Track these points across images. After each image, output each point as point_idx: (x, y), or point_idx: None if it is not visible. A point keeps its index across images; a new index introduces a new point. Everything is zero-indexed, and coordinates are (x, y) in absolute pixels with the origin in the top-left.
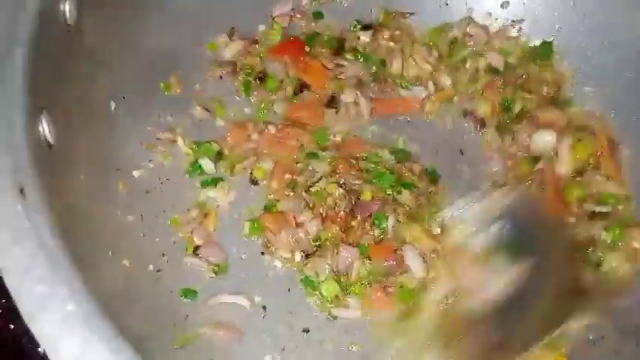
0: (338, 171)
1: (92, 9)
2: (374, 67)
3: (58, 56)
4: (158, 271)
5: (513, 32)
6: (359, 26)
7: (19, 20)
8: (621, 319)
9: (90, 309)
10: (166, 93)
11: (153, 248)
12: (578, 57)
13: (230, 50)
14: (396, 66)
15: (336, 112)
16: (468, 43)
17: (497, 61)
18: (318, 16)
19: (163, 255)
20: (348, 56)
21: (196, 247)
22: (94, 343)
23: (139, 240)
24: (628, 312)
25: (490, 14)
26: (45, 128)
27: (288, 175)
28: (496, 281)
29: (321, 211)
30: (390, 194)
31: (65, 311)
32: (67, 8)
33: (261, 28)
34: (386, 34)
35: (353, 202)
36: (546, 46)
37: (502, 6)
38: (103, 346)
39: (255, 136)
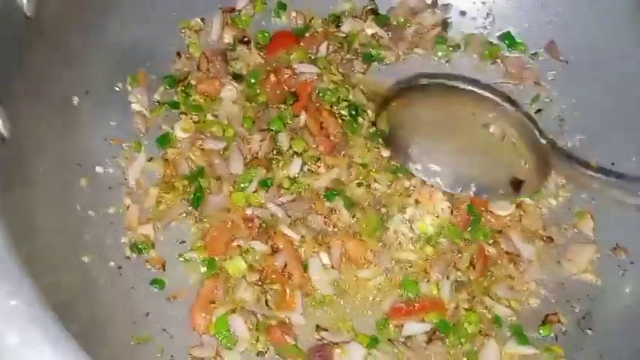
0: None
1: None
2: None
3: (16, 48)
4: (119, 267)
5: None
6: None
7: None
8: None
9: (34, 304)
10: (133, 87)
11: (115, 244)
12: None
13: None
14: None
15: None
16: None
17: None
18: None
19: (127, 251)
20: None
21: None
22: (35, 337)
23: (101, 236)
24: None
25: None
26: None
27: None
28: None
29: None
30: None
31: (8, 306)
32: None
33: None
34: None
35: None
36: (508, 37)
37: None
38: (43, 339)
39: None
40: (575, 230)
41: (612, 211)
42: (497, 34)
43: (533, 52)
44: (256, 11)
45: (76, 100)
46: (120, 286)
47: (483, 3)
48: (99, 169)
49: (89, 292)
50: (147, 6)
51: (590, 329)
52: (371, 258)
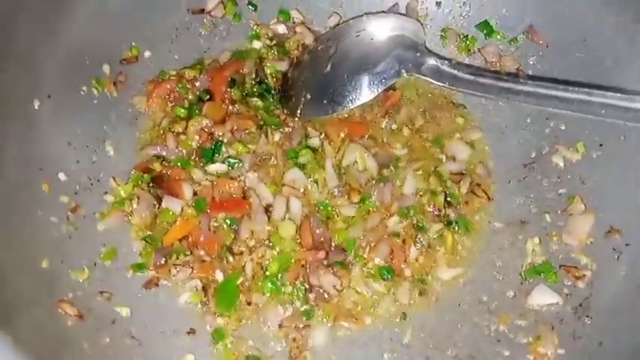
0: None
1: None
2: None
3: None
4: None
5: None
6: None
7: None
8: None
9: None
10: (98, 91)
11: (79, 251)
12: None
13: None
14: None
15: None
16: None
17: None
18: None
19: (94, 257)
20: None
21: None
22: None
23: (64, 242)
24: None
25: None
26: None
27: None
28: None
29: None
30: None
31: None
32: None
33: None
34: None
35: None
36: (486, 25)
37: None
38: None
39: None
40: (570, 214)
41: (604, 194)
42: (475, 23)
43: (511, 37)
44: (227, 13)
45: (37, 103)
46: (86, 293)
47: None
48: (62, 173)
49: (51, 297)
50: (104, 4)
51: (588, 316)
52: None
